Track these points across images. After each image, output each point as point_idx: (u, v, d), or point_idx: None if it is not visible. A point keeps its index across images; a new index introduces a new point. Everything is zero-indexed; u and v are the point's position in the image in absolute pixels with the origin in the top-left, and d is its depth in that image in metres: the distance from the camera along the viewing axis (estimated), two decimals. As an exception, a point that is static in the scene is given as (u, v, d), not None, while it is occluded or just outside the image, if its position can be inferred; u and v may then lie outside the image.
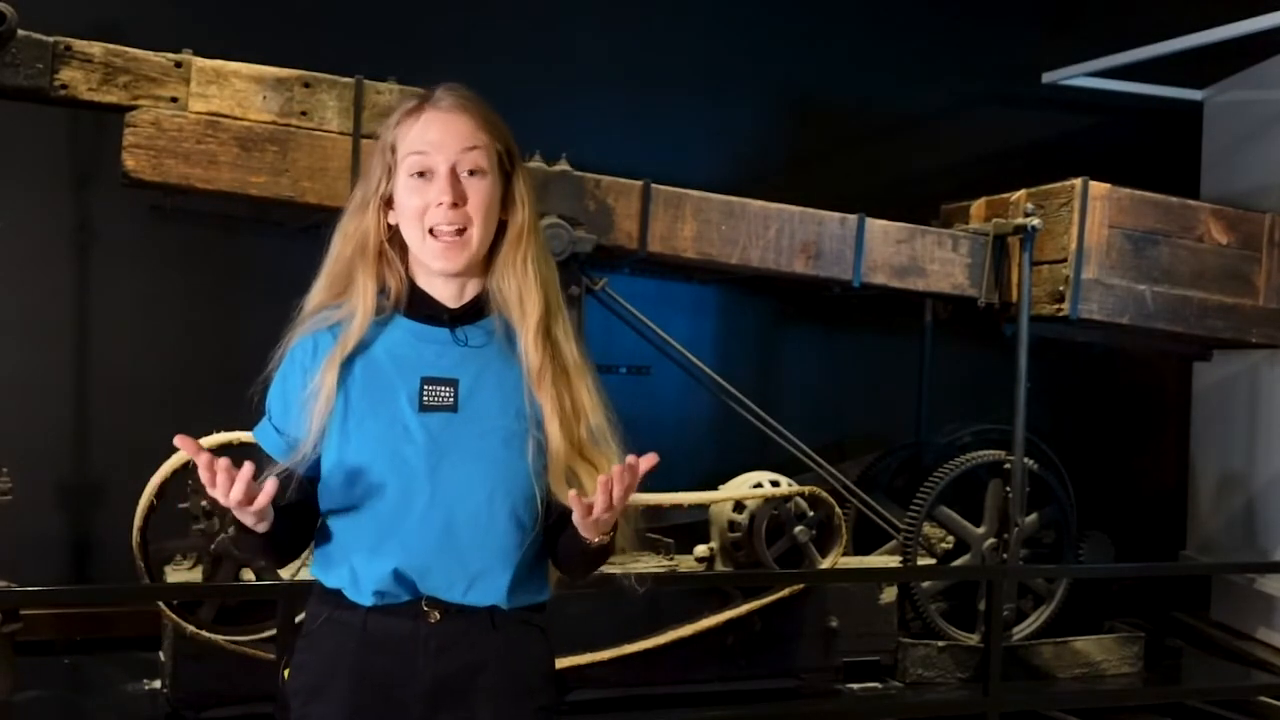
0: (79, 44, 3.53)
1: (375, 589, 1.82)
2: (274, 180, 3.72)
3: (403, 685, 1.83)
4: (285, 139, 3.73)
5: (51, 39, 3.49)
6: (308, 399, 1.83)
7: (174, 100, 3.62)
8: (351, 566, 1.84)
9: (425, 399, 1.84)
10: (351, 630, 1.84)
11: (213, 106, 3.67)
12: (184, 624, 3.66)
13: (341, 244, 1.91)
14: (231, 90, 3.68)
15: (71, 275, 4.66)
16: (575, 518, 1.75)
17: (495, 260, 1.90)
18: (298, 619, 3.57)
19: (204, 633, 3.68)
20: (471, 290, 1.90)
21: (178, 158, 3.62)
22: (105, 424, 4.69)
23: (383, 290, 1.89)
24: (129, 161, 3.58)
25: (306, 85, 3.77)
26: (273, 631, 3.57)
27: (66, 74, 3.51)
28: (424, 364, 1.86)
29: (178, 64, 3.64)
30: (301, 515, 1.88)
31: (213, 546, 3.75)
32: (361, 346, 1.86)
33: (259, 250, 4.77)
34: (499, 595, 1.85)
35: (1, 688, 3.73)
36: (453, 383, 1.85)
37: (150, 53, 3.62)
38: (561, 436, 1.84)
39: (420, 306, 1.90)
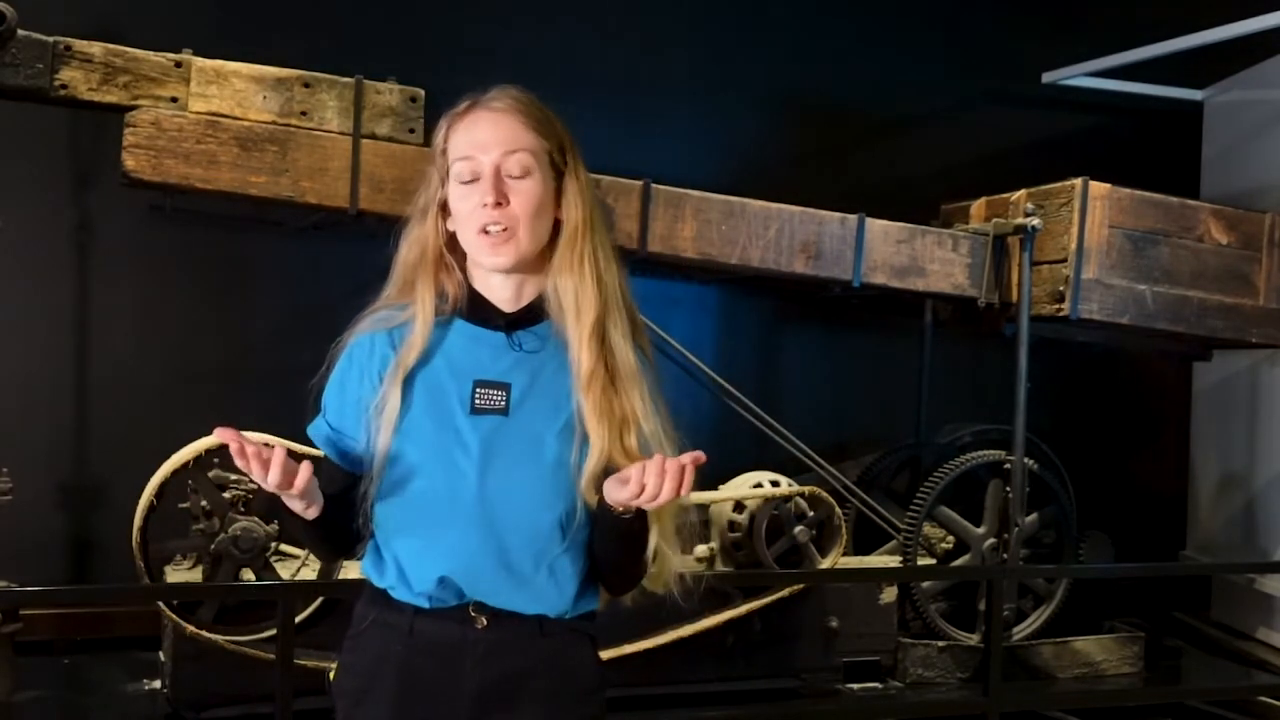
0: (79, 44, 3.53)
1: (423, 591, 1.83)
2: (274, 180, 3.72)
3: (449, 690, 1.82)
4: (285, 139, 3.73)
5: (51, 39, 3.49)
6: (372, 410, 1.84)
7: (174, 100, 3.62)
8: (400, 568, 1.85)
9: (477, 402, 1.83)
10: (398, 633, 1.84)
11: (213, 106, 3.67)
12: (184, 624, 3.66)
13: (406, 249, 1.94)
14: (231, 90, 3.68)
15: (71, 275, 4.66)
16: (610, 490, 1.73)
17: (552, 261, 1.89)
18: (298, 619, 3.59)
19: (204, 633, 3.68)
20: (529, 293, 1.90)
21: (178, 158, 3.61)
22: (105, 424, 4.68)
23: (441, 295, 1.90)
24: (129, 161, 3.58)
25: (306, 85, 3.77)
26: (272, 631, 3.57)
27: (66, 74, 3.51)
28: (478, 367, 1.86)
29: (178, 64, 3.64)
30: (350, 510, 1.87)
31: (213, 546, 3.75)
32: (420, 350, 1.87)
33: (259, 250, 4.77)
34: (546, 604, 1.85)
35: (1, 688, 3.73)
36: (504, 387, 1.84)
37: (150, 53, 3.62)
38: (605, 443, 1.81)
39: (477, 310, 1.90)
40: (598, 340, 1.84)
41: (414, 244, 1.92)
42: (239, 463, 1.69)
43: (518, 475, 1.81)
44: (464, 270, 1.92)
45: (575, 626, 1.89)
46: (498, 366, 1.86)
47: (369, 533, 1.90)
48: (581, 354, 1.84)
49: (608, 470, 1.80)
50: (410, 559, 1.84)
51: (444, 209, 1.91)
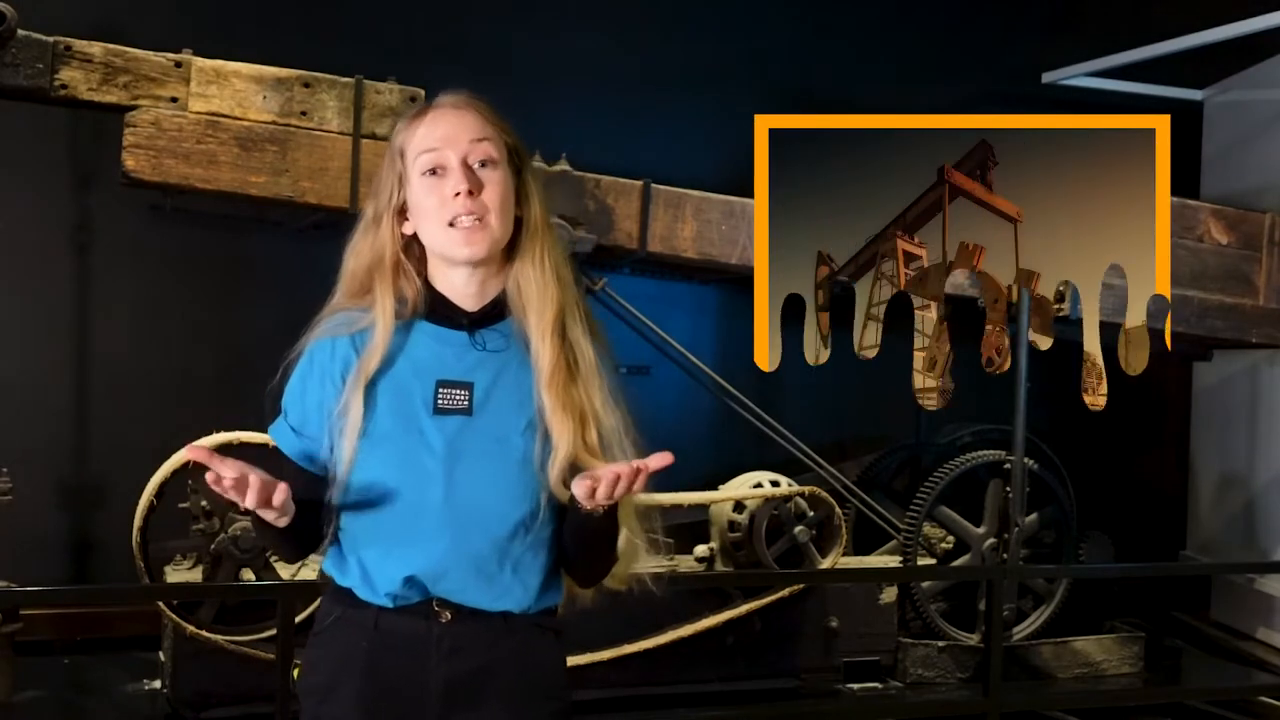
0: (79, 44, 3.53)
1: (387, 591, 1.83)
2: (274, 180, 3.72)
3: (415, 685, 1.82)
4: (285, 139, 3.73)
5: (51, 39, 3.49)
6: (335, 417, 1.83)
7: (174, 100, 3.63)
8: (364, 567, 1.85)
9: (440, 402, 1.83)
10: (363, 629, 1.84)
11: (213, 106, 3.67)
12: (184, 624, 3.66)
13: (354, 262, 1.92)
14: (231, 90, 3.69)
15: (71, 275, 4.66)
16: (575, 490, 1.74)
17: (514, 258, 1.89)
18: (298, 619, 3.59)
19: (204, 633, 3.69)
20: (491, 290, 1.89)
21: (178, 158, 3.62)
22: (105, 424, 4.68)
23: (400, 300, 1.89)
24: (129, 161, 3.58)
25: (306, 85, 3.77)
26: (272, 631, 3.57)
27: (66, 74, 3.51)
28: (441, 367, 1.85)
29: (178, 64, 3.64)
30: (315, 511, 1.87)
31: (213, 546, 3.76)
32: (382, 355, 1.85)
33: (259, 250, 4.77)
34: (512, 600, 1.84)
35: (2, 688, 3.73)
36: (467, 386, 1.84)
37: (150, 53, 3.62)
38: (569, 440, 1.81)
39: (439, 310, 1.89)
40: (559, 336, 1.85)
41: (363, 253, 1.91)
42: (215, 489, 1.68)
43: (484, 475, 1.82)
44: (420, 274, 1.91)
45: (539, 622, 1.89)
46: (460, 365, 1.86)
47: (333, 532, 1.90)
48: (544, 349, 1.84)
49: (573, 466, 1.81)
50: (375, 562, 1.84)
51: (399, 214, 1.90)
